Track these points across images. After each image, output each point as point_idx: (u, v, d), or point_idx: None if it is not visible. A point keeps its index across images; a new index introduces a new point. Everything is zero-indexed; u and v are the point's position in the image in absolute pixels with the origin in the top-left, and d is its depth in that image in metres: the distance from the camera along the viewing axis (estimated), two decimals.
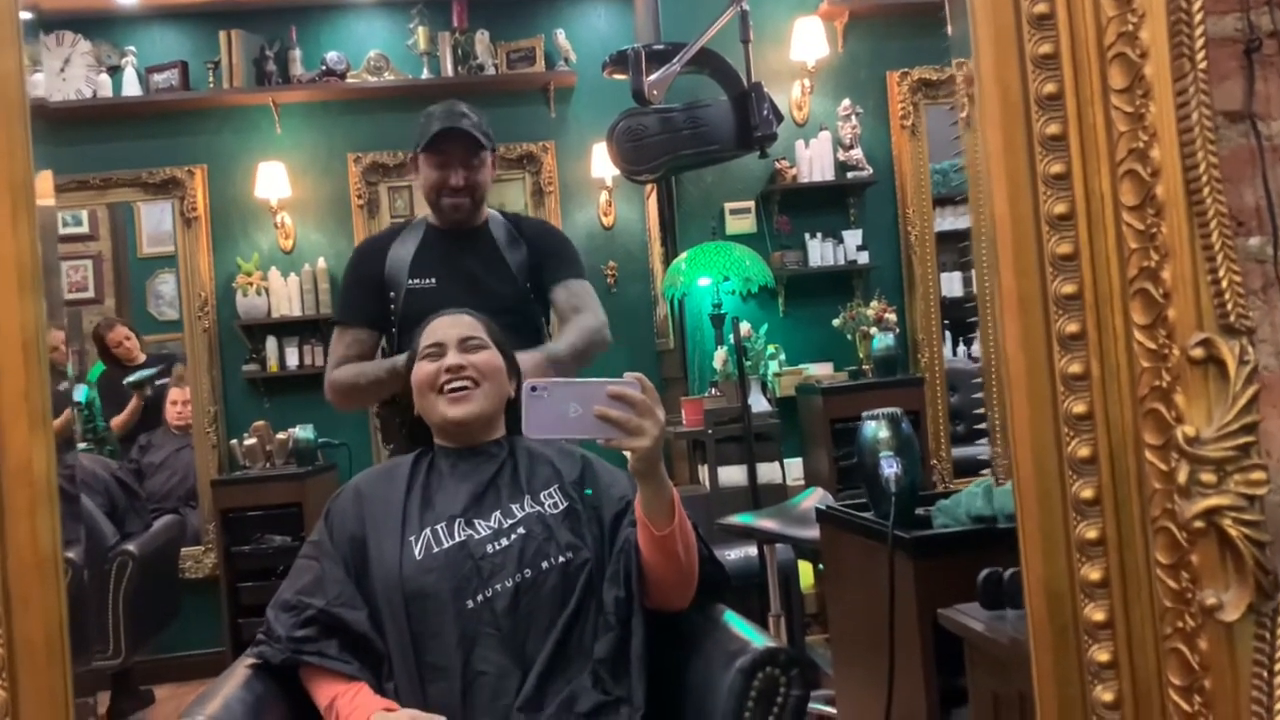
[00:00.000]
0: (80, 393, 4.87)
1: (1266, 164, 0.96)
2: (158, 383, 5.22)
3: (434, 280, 2.33)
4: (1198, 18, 0.87)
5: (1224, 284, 0.86)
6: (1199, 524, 0.85)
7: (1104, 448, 0.92)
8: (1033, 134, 0.92)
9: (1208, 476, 0.85)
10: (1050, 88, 0.92)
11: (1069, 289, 0.92)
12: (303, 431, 4.48)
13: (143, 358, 5.32)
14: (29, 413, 0.88)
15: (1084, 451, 0.92)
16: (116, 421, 5.13)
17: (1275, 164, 0.96)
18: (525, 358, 2.10)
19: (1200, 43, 0.87)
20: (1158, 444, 0.89)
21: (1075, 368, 0.92)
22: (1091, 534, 0.92)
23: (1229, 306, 0.86)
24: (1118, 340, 0.91)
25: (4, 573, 0.88)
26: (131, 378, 5.15)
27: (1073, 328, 0.92)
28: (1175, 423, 0.87)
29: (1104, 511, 0.91)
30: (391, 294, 2.36)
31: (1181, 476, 0.86)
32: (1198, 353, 0.86)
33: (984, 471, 2.62)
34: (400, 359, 2.15)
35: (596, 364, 4.85)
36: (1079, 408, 0.92)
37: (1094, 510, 0.92)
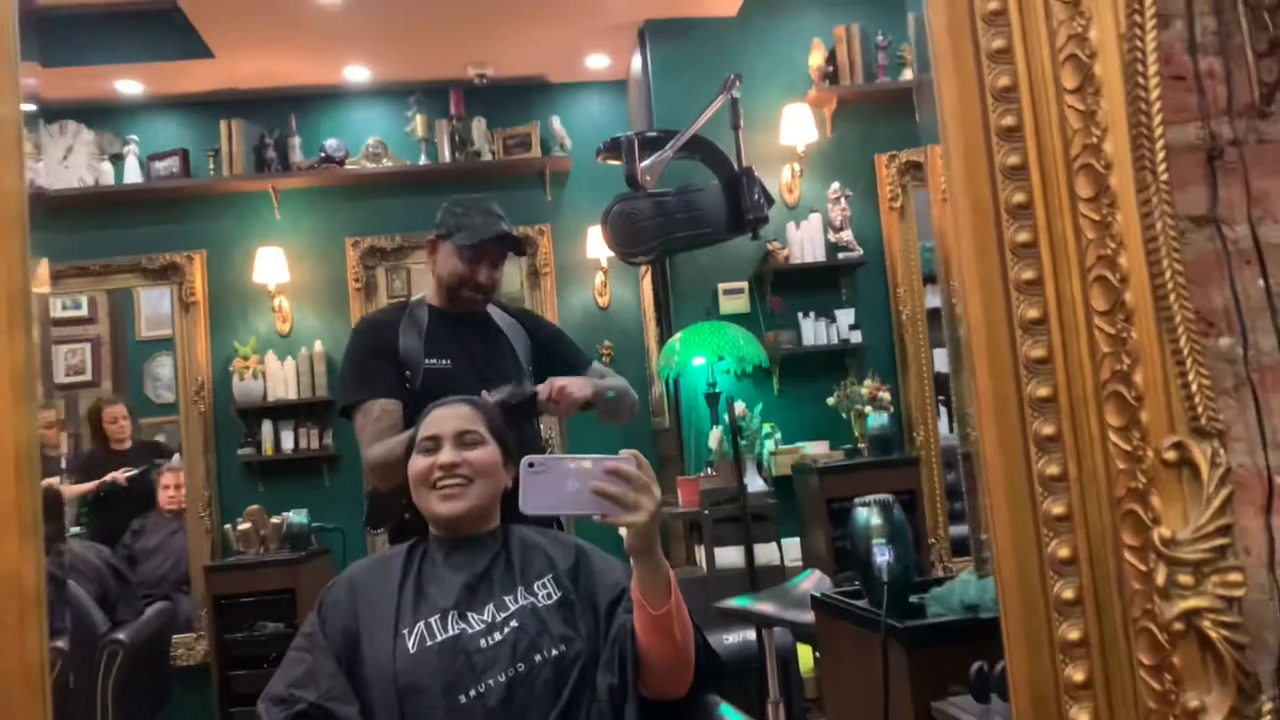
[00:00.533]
0: None
1: (1233, 267, 0.99)
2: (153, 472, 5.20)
3: (449, 361, 2.37)
4: (1158, 131, 0.90)
5: (1194, 388, 0.88)
6: (1179, 625, 0.86)
7: (1084, 548, 0.92)
8: (1004, 241, 0.95)
9: (1185, 578, 0.86)
10: (1020, 197, 0.95)
11: (1044, 392, 0.94)
12: (296, 516, 4.47)
13: (129, 444, 5.27)
14: (20, 524, 0.89)
15: (1064, 552, 0.92)
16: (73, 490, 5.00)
17: (1241, 267, 0.99)
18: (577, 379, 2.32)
19: (1161, 155, 0.90)
20: (1136, 545, 0.90)
21: (1053, 469, 0.93)
22: (1074, 635, 0.92)
23: (1199, 410, 0.87)
24: (1093, 442, 0.93)
25: None
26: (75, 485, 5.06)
27: (1049, 430, 0.93)
28: (1152, 524, 0.88)
29: (1086, 612, 0.92)
30: (408, 372, 2.37)
31: (1160, 578, 0.87)
32: (1171, 455, 0.88)
33: None
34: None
35: (592, 440, 4.86)
36: (1058, 509, 0.93)
37: (1076, 611, 0.92)
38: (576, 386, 2.31)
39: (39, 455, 0.90)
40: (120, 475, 5.05)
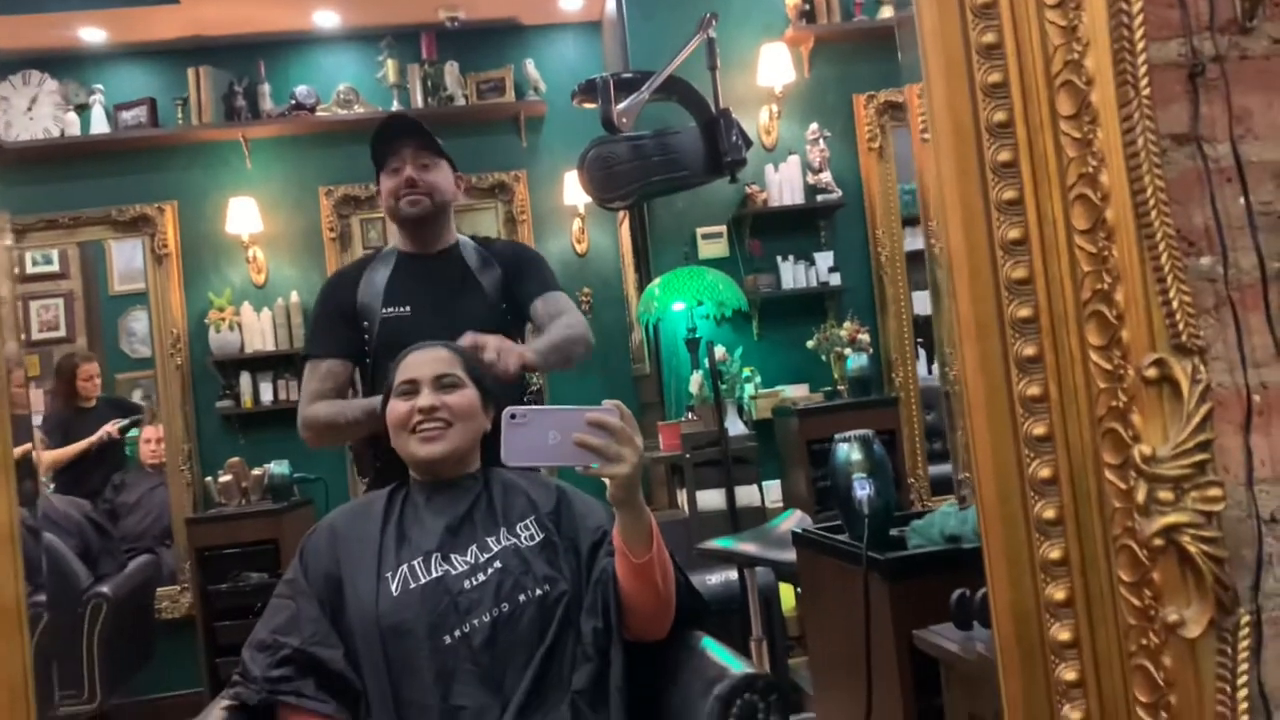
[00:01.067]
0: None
1: (1214, 185, 0.98)
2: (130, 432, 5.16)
3: (408, 308, 2.30)
4: (1140, 45, 0.89)
5: (1175, 305, 0.87)
6: (1159, 541, 0.87)
7: (1064, 468, 0.93)
8: (985, 161, 0.94)
9: (1165, 494, 0.86)
10: (1000, 116, 0.94)
11: (1025, 313, 0.93)
12: (278, 467, 4.45)
13: (95, 401, 5.21)
14: None
15: (1045, 472, 0.93)
16: (52, 455, 4.97)
17: (1222, 185, 0.98)
18: (491, 337, 2.04)
19: (1143, 70, 0.89)
20: (1116, 463, 0.90)
21: (1034, 390, 0.93)
22: (1055, 554, 0.93)
23: (1180, 327, 0.87)
24: (1074, 362, 0.92)
25: None
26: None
27: (1030, 350, 0.93)
28: (1133, 442, 0.88)
29: (1066, 532, 0.92)
30: (365, 323, 2.32)
31: (1140, 495, 0.87)
32: (1151, 373, 0.88)
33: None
34: (377, 401, 2.08)
35: (574, 388, 4.85)
36: (1039, 429, 0.93)
37: (1057, 530, 0.93)
38: (511, 361, 2.07)
39: (8, 396, 0.89)
40: (112, 428, 5.02)
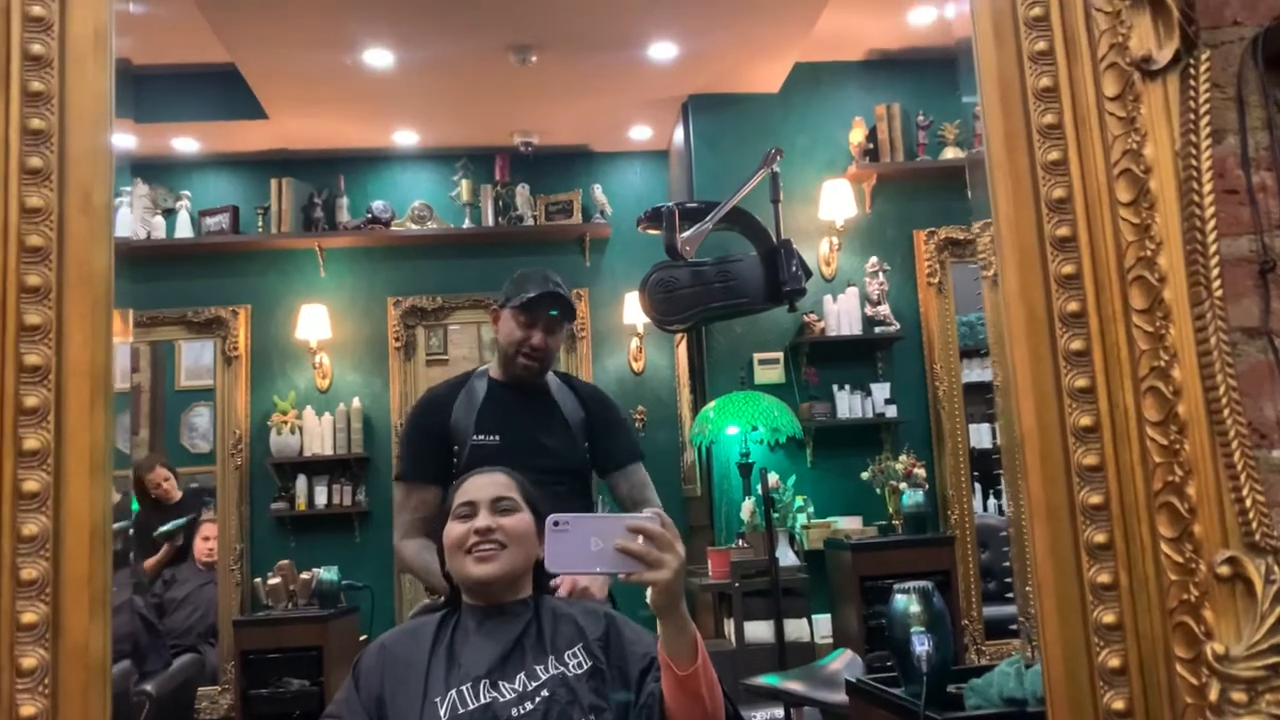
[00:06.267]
0: None
1: None
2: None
3: (498, 437, 2.37)
4: (1213, 248, 0.92)
5: (1248, 502, 0.88)
6: None
7: (1134, 659, 0.92)
8: (1058, 349, 0.97)
9: (1239, 695, 0.86)
10: (1073, 306, 0.97)
11: (1096, 499, 0.94)
12: (327, 573, 4.47)
13: (179, 495, 5.29)
14: (90, 596, 0.91)
15: (1115, 662, 0.92)
16: (149, 564, 5.04)
17: None
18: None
19: (1215, 271, 0.92)
20: (1188, 658, 0.90)
21: (1104, 577, 0.93)
22: None
23: (1254, 525, 0.88)
24: (1145, 552, 0.93)
25: None
26: (164, 529, 5.05)
27: (1100, 538, 0.94)
28: (1205, 638, 0.88)
29: None
30: (455, 448, 2.39)
31: (1213, 694, 0.87)
32: (1224, 570, 0.88)
33: (1016, 643, 2.57)
34: None
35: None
36: (1109, 618, 0.93)
37: None
38: (597, 586, 2.20)
39: (111, 529, 0.93)
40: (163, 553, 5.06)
